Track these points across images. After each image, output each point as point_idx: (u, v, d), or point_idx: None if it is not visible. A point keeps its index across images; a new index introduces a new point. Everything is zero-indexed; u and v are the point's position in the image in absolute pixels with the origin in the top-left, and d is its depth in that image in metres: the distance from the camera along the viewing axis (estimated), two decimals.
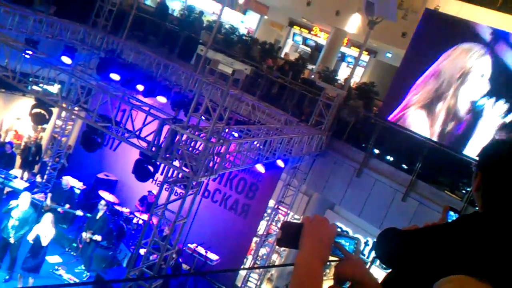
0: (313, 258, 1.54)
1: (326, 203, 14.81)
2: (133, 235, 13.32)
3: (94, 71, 12.97)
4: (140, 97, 11.53)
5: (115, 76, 12.21)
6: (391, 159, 13.73)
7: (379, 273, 13.47)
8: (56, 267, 11.99)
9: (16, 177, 13.26)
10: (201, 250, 12.97)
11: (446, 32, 14.24)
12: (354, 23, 20.17)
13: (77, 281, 11.59)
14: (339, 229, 1.64)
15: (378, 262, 12.89)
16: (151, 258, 9.75)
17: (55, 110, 11.58)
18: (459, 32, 13.95)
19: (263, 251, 14.55)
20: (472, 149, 12.78)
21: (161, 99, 12.55)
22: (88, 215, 12.86)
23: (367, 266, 13.28)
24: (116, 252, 12.86)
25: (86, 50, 14.64)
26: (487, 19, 14.29)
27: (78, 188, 14.34)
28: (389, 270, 1.73)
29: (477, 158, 1.69)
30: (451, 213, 1.93)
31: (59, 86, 10.63)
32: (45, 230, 10.71)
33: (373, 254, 12.96)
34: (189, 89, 13.74)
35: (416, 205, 12.26)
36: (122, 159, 14.35)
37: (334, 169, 13.58)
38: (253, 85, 15.53)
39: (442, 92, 13.65)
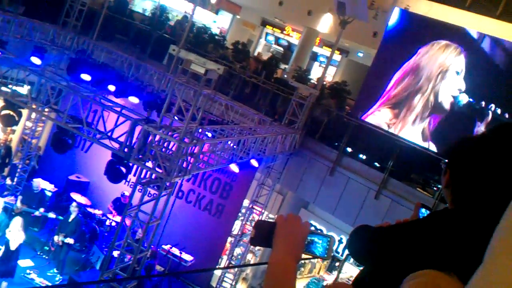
0: (287, 257, 1.55)
1: (300, 202, 14.89)
2: (106, 238, 13.18)
3: (65, 72, 12.78)
4: (112, 98, 11.41)
5: (86, 77, 12.05)
6: (364, 157, 13.87)
7: (352, 270, 13.62)
8: (28, 271, 11.78)
9: None
10: (175, 251, 12.90)
11: (417, 32, 14.47)
12: (326, 23, 20.31)
13: (50, 284, 11.42)
14: (313, 228, 1.65)
15: (351, 259, 13.01)
16: (125, 260, 9.66)
17: (24, 112, 11.39)
18: (430, 32, 14.18)
19: (238, 251, 14.55)
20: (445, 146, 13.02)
21: (133, 100, 12.43)
22: (60, 217, 12.67)
23: (341, 264, 13.42)
24: (89, 255, 12.70)
25: (56, 51, 14.40)
26: (457, 19, 14.54)
27: (49, 191, 14.12)
28: (362, 267, 1.75)
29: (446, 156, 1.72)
30: (423, 210, 1.96)
31: (29, 87, 10.46)
32: (14, 234, 10.53)
33: (346, 251, 13.07)
34: (161, 89, 13.65)
35: (389, 203, 12.41)
36: (94, 160, 14.17)
37: (307, 168, 13.66)
38: (226, 85, 15.52)
39: (420, 86, 13.86)
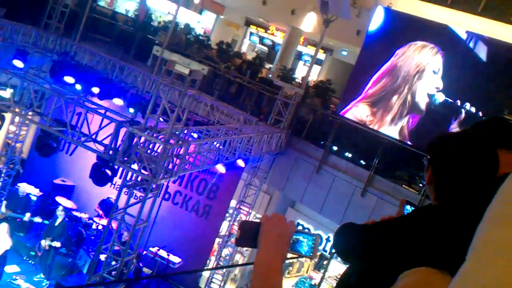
0: (272, 256, 1.55)
1: (287, 201, 14.92)
2: (93, 241, 13.08)
3: (48, 75, 12.66)
4: (96, 100, 11.32)
5: (69, 79, 11.96)
6: (350, 155, 13.93)
7: (339, 268, 13.67)
8: (14, 276, 11.66)
9: None
10: (163, 253, 12.85)
11: (400, 30, 14.56)
12: (309, 22, 20.35)
13: None
14: (300, 227, 1.65)
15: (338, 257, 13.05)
16: (112, 263, 9.60)
17: (7, 116, 11.26)
18: (412, 30, 14.28)
19: (226, 251, 14.53)
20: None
21: (118, 101, 12.36)
22: (46, 222, 12.56)
23: (328, 262, 13.46)
24: (76, 259, 12.61)
25: (38, 53, 14.26)
26: (439, 16, 14.65)
27: (34, 195, 13.98)
28: (345, 269, 1.75)
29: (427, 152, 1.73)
30: (408, 207, 1.97)
31: (11, 90, 10.33)
32: (0, 240, 10.41)
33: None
34: (146, 90, 13.58)
35: (375, 200, 12.48)
36: (79, 163, 14.06)
37: (294, 167, 13.68)
38: (211, 85, 15.49)
39: (397, 87, 13.96)
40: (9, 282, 11.37)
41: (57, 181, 14.50)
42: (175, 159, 9.09)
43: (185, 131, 10.34)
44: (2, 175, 14.19)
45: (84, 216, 13.66)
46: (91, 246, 12.76)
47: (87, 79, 12.06)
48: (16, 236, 12.41)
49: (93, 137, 9.02)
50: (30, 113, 9.88)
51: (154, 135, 8.52)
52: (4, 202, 12.94)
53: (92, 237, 13.22)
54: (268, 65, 22.30)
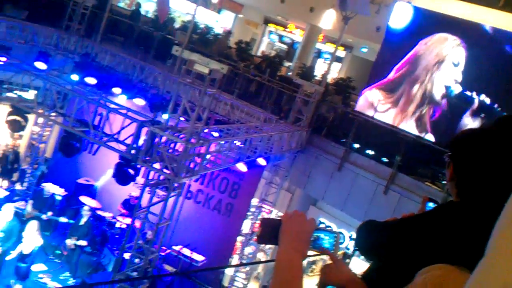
0: (293, 253, 1.55)
1: (309, 199, 14.88)
2: (117, 240, 13.22)
3: (70, 76, 12.82)
4: (117, 100, 11.44)
5: (91, 80, 12.10)
6: (371, 153, 13.83)
7: (361, 264, 13.59)
8: (40, 275, 11.85)
9: None
10: (186, 251, 12.92)
11: (420, 25, 14.40)
12: (328, 19, 20.26)
13: None
14: (322, 225, 1.66)
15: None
16: (136, 261, 9.70)
17: (31, 117, 11.44)
18: (433, 25, 14.12)
19: (248, 250, 14.55)
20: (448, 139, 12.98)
21: (139, 101, 12.47)
22: (71, 221, 12.73)
23: (350, 260, 13.40)
24: (101, 258, 12.76)
25: (60, 55, 14.45)
26: (459, 12, 14.44)
27: (59, 195, 14.17)
28: (369, 264, 1.76)
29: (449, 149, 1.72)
30: (430, 204, 1.96)
31: (35, 92, 10.50)
32: (31, 238, 10.59)
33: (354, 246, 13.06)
34: (166, 90, 13.67)
35: (398, 198, 12.37)
36: (102, 163, 14.22)
37: (315, 165, 13.64)
38: (231, 84, 15.52)
39: (417, 76, 13.85)
40: (35, 280, 11.55)
41: (81, 180, 14.68)
42: (196, 158, 9.14)
43: (206, 130, 10.40)
44: (27, 175, 14.43)
45: (108, 215, 13.81)
46: (115, 245, 12.91)
47: (108, 79, 12.19)
48: (42, 235, 12.60)
49: (115, 136, 9.11)
50: (53, 114, 10.02)
51: (175, 134, 8.58)
52: (30, 202, 13.15)
53: (116, 236, 13.36)
54: (287, 63, 22.25)
